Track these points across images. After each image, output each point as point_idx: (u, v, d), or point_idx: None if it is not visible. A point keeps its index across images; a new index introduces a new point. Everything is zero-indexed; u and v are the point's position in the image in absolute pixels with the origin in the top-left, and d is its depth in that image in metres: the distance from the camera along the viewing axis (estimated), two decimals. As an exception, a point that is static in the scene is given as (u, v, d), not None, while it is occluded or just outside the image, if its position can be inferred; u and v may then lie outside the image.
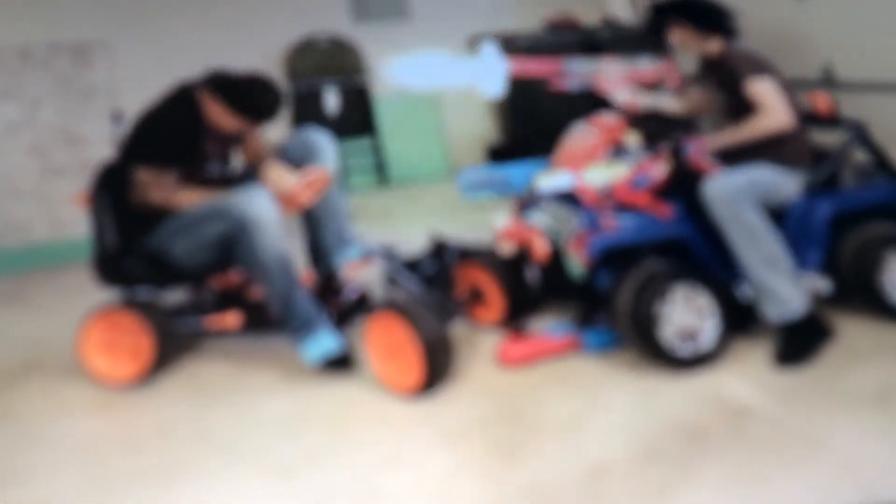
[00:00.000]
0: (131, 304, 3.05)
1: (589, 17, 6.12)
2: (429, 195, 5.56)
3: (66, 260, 4.56)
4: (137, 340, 2.98)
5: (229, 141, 3.19)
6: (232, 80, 3.02)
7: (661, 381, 2.71)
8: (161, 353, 3.00)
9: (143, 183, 2.98)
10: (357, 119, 5.70)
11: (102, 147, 4.90)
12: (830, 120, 3.23)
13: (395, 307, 2.75)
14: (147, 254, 3.03)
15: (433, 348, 2.67)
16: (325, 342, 2.93)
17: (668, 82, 3.40)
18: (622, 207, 2.94)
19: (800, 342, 2.79)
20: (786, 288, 2.78)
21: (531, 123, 5.58)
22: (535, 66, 3.34)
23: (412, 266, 3.10)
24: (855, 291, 2.99)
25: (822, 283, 2.96)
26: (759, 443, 2.35)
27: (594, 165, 3.02)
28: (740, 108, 2.97)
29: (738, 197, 2.80)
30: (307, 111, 5.54)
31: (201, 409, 2.83)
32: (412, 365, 2.69)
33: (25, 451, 2.64)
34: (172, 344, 3.11)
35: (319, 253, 3.27)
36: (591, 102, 3.46)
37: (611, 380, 2.80)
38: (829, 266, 2.99)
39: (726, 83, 3.02)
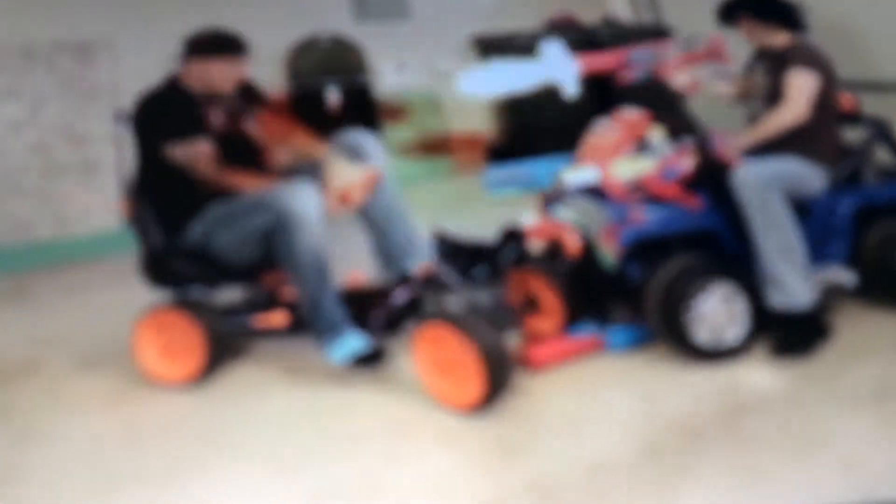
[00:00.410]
0: (181, 304, 3.02)
1: (589, 16, 6.13)
2: (431, 194, 5.55)
3: (68, 258, 4.57)
4: (190, 340, 2.95)
5: (236, 111, 3.18)
6: (190, 37, 3.19)
7: (662, 379, 2.74)
8: (214, 353, 2.96)
9: (184, 160, 2.98)
10: (359, 119, 5.71)
11: (105, 146, 4.91)
12: (852, 117, 3.34)
13: (448, 318, 2.64)
14: (192, 250, 3.00)
15: (493, 362, 2.53)
16: (351, 342, 2.89)
17: (719, 59, 3.44)
18: (651, 200, 2.99)
19: (799, 336, 2.85)
20: (796, 280, 2.85)
21: (530, 123, 5.59)
22: (603, 61, 3.36)
23: (484, 256, 2.94)
24: (878, 284, 3.09)
25: (846, 276, 3.05)
26: (760, 440, 2.38)
27: (619, 160, 3.07)
28: (776, 96, 3.09)
29: (766, 185, 2.88)
30: (309, 111, 5.56)
31: (204, 406, 2.85)
32: (470, 380, 2.57)
33: (28, 449, 2.66)
34: (226, 343, 3.07)
35: (390, 257, 3.18)
36: (589, 101, 3.47)
37: (612, 377, 2.83)
38: (853, 260, 3.08)
39: (775, 70, 3.14)
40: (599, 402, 2.68)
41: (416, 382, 2.74)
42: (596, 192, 3.06)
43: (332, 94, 5.61)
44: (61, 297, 4.05)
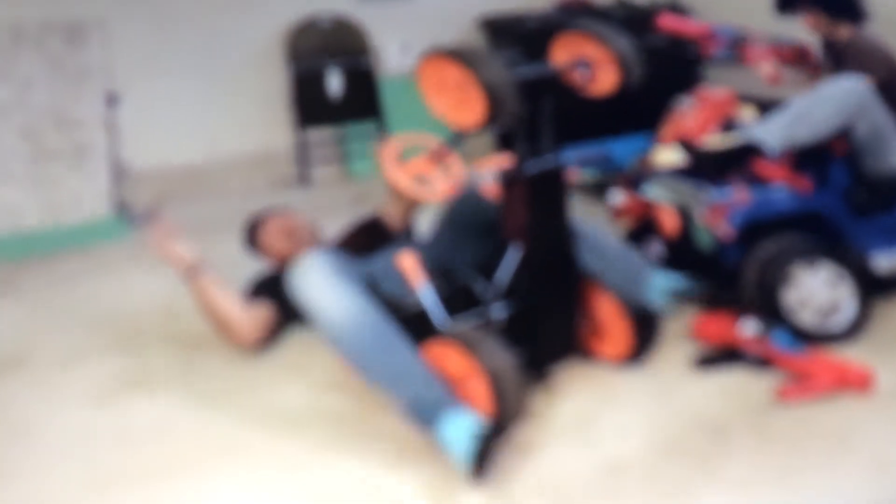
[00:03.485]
0: None
1: (603, -3, 6.08)
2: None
3: (59, 247, 4.54)
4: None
5: None
6: None
7: (680, 376, 2.70)
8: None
9: None
10: (362, 102, 5.67)
11: (97, 130, 4.87)
12: None
13: (457, 337, 2.37)
14: None
15: (501, 386, 2.29)
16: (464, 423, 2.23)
17: (806, 63, 3.50)
18: (755, 180, 2.98)
19: None
20: None
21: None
22: (688, 26, 3.41)
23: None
24: None
25: None
26: (783, 439, 2.34)
27: (707, 139, 3.04)
28: None
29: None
30: (309, 94, 5.51)
31: (200, 402, 2.82)
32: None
33: (16, 446, 2.63)
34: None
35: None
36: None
37: (627, 374, 2.78)
38: None
39: (837, 64, 3.19)
40: (617, 398, 2.64)
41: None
42: (684, 173, 3.07)
43: (334, 76, 5.58)
44: (51, 288, 4.01)
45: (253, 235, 3.38)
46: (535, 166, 2.58)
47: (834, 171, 3.02)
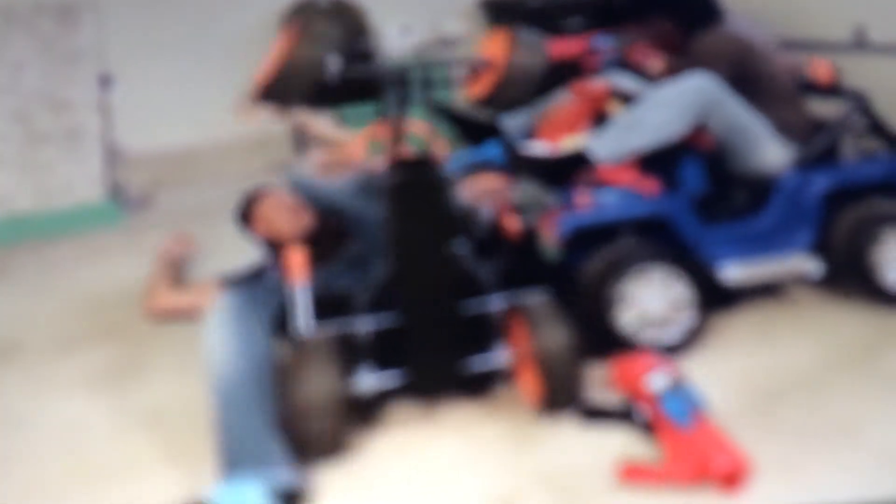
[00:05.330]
0: None
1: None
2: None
3: (52, 232, 4.53)
4: None
5: None
6: None
7: (686, 366, 2.68)
8: None
9: None
10: (361, 84, 5.63)
11: (90, 113, 4.85)
12: (830, 89, 3.16)
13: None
14: None
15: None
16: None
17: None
18: (601, 184, 2.86)
19: None
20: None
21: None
22: (569, 47, 3.35)
23: None
24: (847, 274, 2.92)
25: (810, 265, 2.89)
26: (787, 430, 2.32)
27: (574, 137, 2.94)
28: None
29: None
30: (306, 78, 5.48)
31: (194, 389, 2.80)
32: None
33: (8, 435, 2.62)
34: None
35: None
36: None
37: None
38: (822, 246, 2.92)
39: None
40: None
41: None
42: (551, 173, 2.95)
43: (332, 58, 5.52)
44: (43, 275, 4.00)
45: (249, 211, 3.28)
46: (398, 173, 2.43)
47: (685, 173, 2.88)
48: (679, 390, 2.32)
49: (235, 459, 2.20)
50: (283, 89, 2.27)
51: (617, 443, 2.31)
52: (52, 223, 4.61)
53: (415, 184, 2.43)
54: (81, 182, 4.76)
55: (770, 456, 2.17)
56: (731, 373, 2.63)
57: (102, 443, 2.54)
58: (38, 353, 3.18)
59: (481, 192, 2.93)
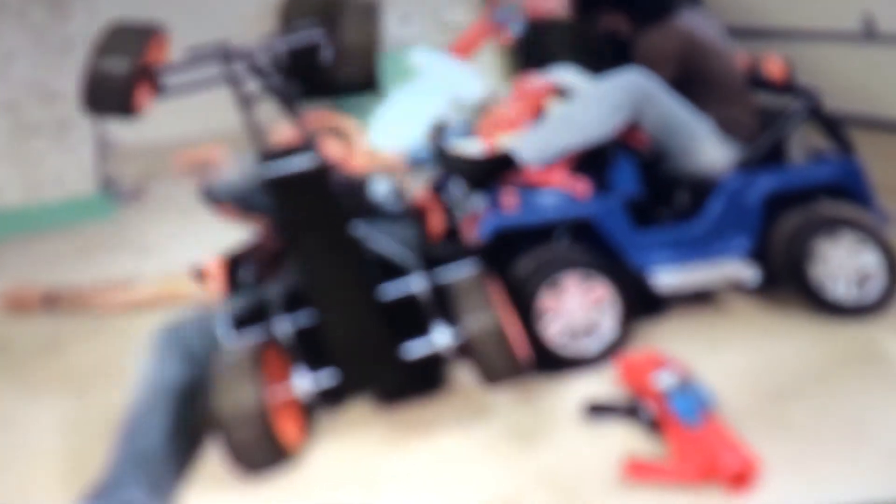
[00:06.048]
0: None
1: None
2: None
3: (41, 226, 4.49)
4: None
5: None
6: None
7: (692, 364, 2.64)
8: None
9: None
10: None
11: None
12: (782, 86, 3.06)
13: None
14: None
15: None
16: None
17: None
18: (530, 185, 2.78)
19: None
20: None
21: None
22: (473, 31, 3.61)
23: None
24: (786, 282, 2.82)
25: (747, 273, 2.79)
26: (797, 427, 2.28)
27: (508, 136, 2.85)
28: None
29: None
30: (302, 63, 5.43)
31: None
32: None
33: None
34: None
35: None
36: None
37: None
38: (762, 253, 2.82)
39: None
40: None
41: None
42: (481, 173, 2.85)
43: (328, 48, 5.48)
44: (32, 270, 3.96)
45: None
46: (269, 167, 2.35)
47: (618, 174, 2.81)
48: (687, 388, 2.27)
49: (104, 484, 2.17)
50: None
51: (619, 443, 2.28)
52: (42, 216, 4.58)
53: (290, 176, 2.33)
54: (72, 174, 4.72)
55: (779, 453, 2.14)
56: (739, 370, 2.59)
57: (94, 442, 2.48)
58: (24, 350, 3.14)
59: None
